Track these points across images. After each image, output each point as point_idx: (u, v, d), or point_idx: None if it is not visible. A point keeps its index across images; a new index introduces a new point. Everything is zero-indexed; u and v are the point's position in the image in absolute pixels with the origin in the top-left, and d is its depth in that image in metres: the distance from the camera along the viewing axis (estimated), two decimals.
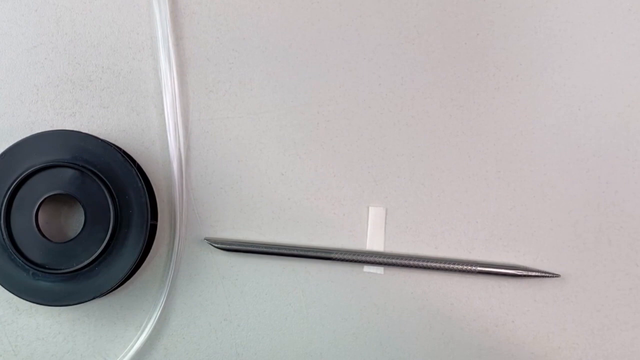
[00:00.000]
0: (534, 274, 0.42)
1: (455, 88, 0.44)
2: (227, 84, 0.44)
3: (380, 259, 0.43)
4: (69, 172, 0.40)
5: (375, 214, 0.44)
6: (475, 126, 0.44)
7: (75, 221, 0.43)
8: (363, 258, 0.43)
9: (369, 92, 0.44)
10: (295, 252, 0.43)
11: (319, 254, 0.43)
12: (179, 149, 0.43)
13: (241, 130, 0.44)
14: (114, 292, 0.43)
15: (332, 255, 0.43)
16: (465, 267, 0.42)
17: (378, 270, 0.44)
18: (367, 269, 0.44)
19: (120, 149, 0.42)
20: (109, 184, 0.40)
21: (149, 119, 0.44)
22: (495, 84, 0.44)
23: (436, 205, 0.44)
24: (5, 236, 0.39)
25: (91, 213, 0.40)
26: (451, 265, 0.42)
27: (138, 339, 0.43)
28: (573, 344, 0.43)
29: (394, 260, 0.43)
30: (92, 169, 0.40)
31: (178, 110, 0.43)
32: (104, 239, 0.40)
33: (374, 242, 0.44)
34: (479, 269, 0.42)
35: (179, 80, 0.43)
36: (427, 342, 0.43)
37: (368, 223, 0.44)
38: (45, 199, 0.40)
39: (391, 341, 0.43)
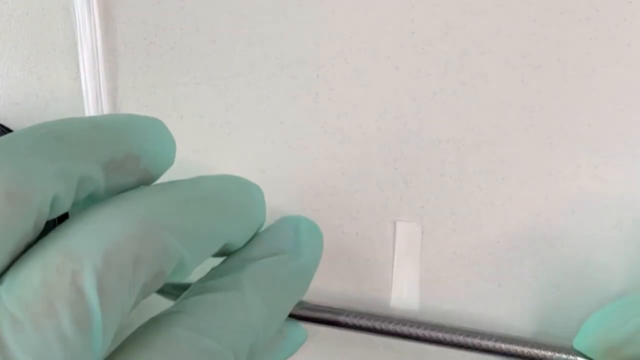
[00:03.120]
0: None
1: (530, 38, 0.36)
2: (177, 31, 0.37)
3: (408, 330, 0.34)
4: None
5: (405, 233, 0.37)
6: (560, 97, 0.36)
7: None
8: (371, 324, 0.34)
9: (396, 43, 0.37)
10: None
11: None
12: None
13: (199, 104, 0.38)
14: None
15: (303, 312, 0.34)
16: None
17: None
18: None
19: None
20: None
21: (56, 86, 0.38)
22: (592, 32, 0.36)
23: (502, 219, 0.37)
24: None
25: None
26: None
27: None
28: None
29: (434, 335, 0.34)
30: None
31: (101, 73, 0.37)
32: None
33: (402, 284, 0.37)
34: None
35: (103, 26, 0.37)
36: None
37: (395, 248, 0.37)
38: None
39: None
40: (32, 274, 0.19)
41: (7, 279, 0.19)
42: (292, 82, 0.36)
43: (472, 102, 0.36)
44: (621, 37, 0.36)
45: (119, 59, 0.37)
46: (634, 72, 0.36)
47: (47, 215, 0.20)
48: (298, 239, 0.28)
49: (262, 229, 0.30)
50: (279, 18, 0.36)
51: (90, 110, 0.36)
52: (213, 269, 0.26)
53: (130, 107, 0.37)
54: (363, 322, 0.33)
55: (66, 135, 0.21)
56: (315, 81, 0.36)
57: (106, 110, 0.37)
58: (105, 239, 0.20)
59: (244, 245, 0.27)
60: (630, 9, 0.36)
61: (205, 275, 0.26)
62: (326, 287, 0.36)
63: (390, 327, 0.33)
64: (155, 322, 0.23)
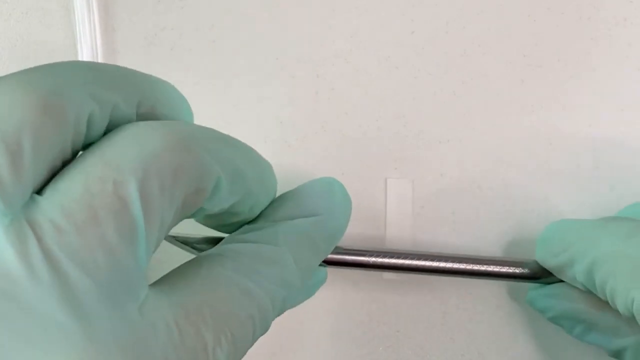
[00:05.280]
0: None
1: (530, 38, 0.36)
2: (175, 31, 0.36)
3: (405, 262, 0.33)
4: None
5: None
6: (561, 97, 0.36)
7: None
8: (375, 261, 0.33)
9: (396, 43, 0.36)
10: None
11: None
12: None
13: (198, 104, 0.34)
14: None
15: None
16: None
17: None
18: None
19: None
20: None
21: None
22: (591, 32, 0.36)
23: (502, 220, 0.36)
24: None
25: None
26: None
27: None
28: None
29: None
30: None
31: None
32: None
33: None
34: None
35: (103, 25, 0.36)
36: None
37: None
38: None
39: None
40: (74, 184, 0.18)
41: (48, 190, 0.18)
42: (292, 82, 0.36)
43: (472, 102, 0.36)
44: (621, 37, 0.35)
45: (119, 59, 0.36)
46: (634, 72, 0.35)
47: (83, 136, 0.19)
48: (333, 202, 0.28)
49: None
50: (278, 18, 0.36)
51: None
52: (246, 225, 0.26)
53: None
54: (386, 261, 0.33)
55: (100, 67, 0.20)
56: (315, 81, 0.36)
57: None
58: (145, 150, 0.19)
59: (272, 206, 0.26)
60: (631, 8, 0.35)
61: (239, 231, 0.25)
62: (325, 286, 0.36)
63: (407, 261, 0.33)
64: (196, 261, 0.22)
